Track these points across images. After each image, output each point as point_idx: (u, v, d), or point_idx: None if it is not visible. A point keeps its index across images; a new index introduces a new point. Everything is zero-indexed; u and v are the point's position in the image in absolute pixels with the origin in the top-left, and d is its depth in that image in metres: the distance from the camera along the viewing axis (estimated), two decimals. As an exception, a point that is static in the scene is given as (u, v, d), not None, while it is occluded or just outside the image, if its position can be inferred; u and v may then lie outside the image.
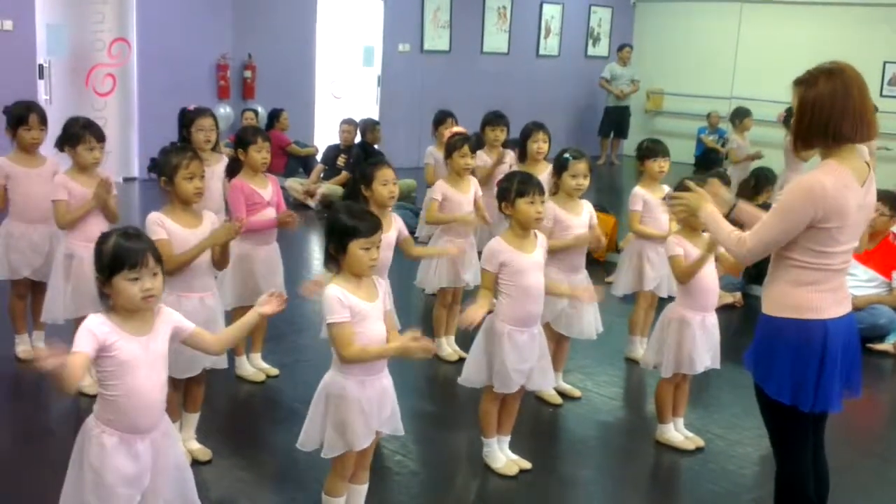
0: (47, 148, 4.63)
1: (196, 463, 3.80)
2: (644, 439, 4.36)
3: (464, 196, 5.06)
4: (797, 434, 3.02)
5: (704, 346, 4.07)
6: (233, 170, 4.73)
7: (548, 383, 3.94)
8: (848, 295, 3.01)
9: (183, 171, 3.54)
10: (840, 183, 2.78)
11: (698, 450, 4.24)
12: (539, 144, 5.45)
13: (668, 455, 4.22)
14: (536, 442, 4.25)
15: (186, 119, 4.89)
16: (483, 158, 5.86)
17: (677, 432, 4.27)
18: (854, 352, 3.01)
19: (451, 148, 5.08)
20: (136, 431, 2.62)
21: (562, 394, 4.72)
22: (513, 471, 3.89)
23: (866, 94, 2.83)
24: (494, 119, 6.08)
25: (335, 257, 3.01)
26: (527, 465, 3.95)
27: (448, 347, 5.21)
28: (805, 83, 2.86)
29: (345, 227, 2.98)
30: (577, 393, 4.77)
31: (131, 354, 2.58)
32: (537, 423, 4.48)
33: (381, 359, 3.07)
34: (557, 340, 4.56)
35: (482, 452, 3.94)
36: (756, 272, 5.00)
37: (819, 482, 3.09)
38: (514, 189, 3.66)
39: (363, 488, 3.31)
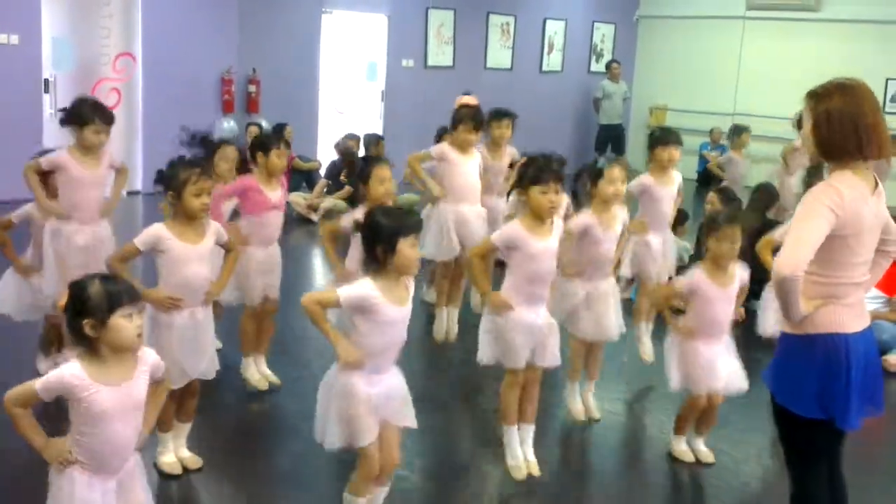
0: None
1: (186, 471, 3.83)
2: (650, 454, 4.35)
3: (466, 160, 4.95)
4: (815, 451, 3.00)
5: (707, 368, 4.05)
6: (240, 172, 4.72)
7: (553, 361, 3.88)
8: (866, 310, 2.98)
9: (191, 186, 3.51)
10: (855, 191, 2.78)
11: (705, 465, 4.22)
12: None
13: (675, 471, 4.20)
14: (543, 450, 4.24)
15: (208, 147, 4.79)
16: (483, 154, 5.57)
17: (685, 443, 4.25)
18: (875, 367, 2.98)
19: (456, 118, 4.96)
20: (107, 471, 2.63)
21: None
22: (520, 475, 3.88)
23: (879, 111, 2.82)
24: (498, 114, 5.71)
25: (381, 260, 3.02)
26: (536, 471, 3.94)
27: (445, 321, 5.13)
28: (818, 97, 2.84)
29: (392, 227, 3.00)
30: (596, 415, 4.65)
31: (107, 405, 2.55)
32: (545, 436, 4.46)
33: (323, 331, 3.09)
34: (588, 348, 4.51)
35: (503, 440, 3.94)
36: (759, 288, 4.97)
37: (838, 501, 3.07)
38: (529, 175, 3.64)
39: (384, 491, 3.34)
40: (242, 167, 4.78)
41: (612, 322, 4.40)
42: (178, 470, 3.80)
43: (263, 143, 4.56)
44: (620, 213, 4.40)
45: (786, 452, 3.08)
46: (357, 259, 3.71)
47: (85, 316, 2.53)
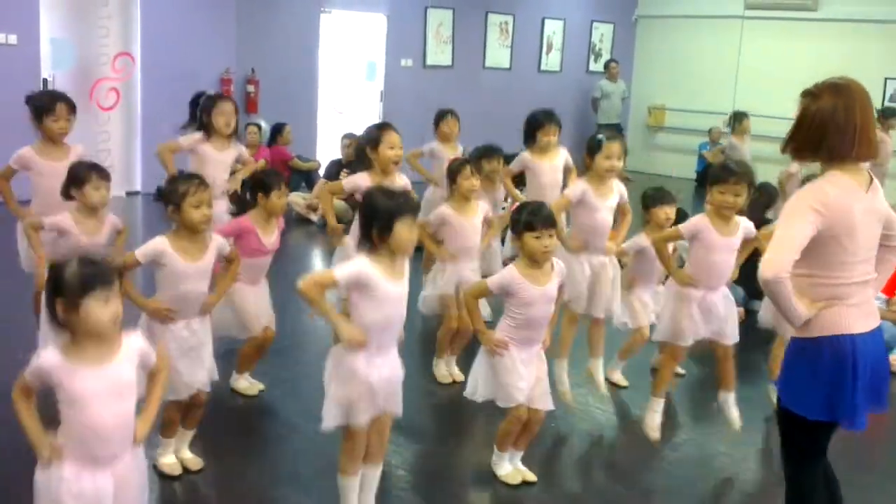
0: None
1: (187, 472, 3.82)
2: (646, 454, 4.35)
3: (467, 220, 4.86)
4: (814, 451, 3.01)
5: (701, 320, 4.10)
6: (239, 209, 4.63)
7: (547, 404, 3.85)
8: (875, 308, 2.97)
9: (190, 198, 3.49)
10: (843, 189, 2.78)
11: (701, 463, 4.22)
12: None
13: (672, 471, 4.21)
14: (539, 456, 4.24)
15: (207, 103, 4.86)
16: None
17: (654, 414, 4.33)
18: (882, 366, 2.98)
19: (452, 173, 4.90)
20: (95, 462, 2.56)
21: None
22: (515, 480, 3.90)
23: (870, 113, 2.82)
24: (487, 152, 5.97)
25: (377, 240, 3.03)
26: (531, 477, 3.94)
27: (444, 369, 5.13)
28: (811, 95, 2.85)
29: (389, 207, 3.01)
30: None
31: (83, 388, 2.50)
32: (539, 436, 4.46)
33: (321, 313, 3.12)
34: (590, 325, 4.56)
35: (491, 460, 3.95)
36: (758, 288, 4.97)
37: (832, 495, 3.09)
38: (521, 221, 3.61)
39: (377, 472, 3.37)
40: (241, 207, 4.69)
41: (607, 301, 4.44)
42: (177, 471, 3.80)
43: (265, 183, 4.38)
44: (617, 187, 4.48)
45: (785, 452, 3.08)
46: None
47: (58, 298, 2.50)
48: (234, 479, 3.89)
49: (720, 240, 4.06)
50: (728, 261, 4.12)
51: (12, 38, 8.82)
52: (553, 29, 13.81)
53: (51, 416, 2.61)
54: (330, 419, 3.18)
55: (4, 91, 8.53)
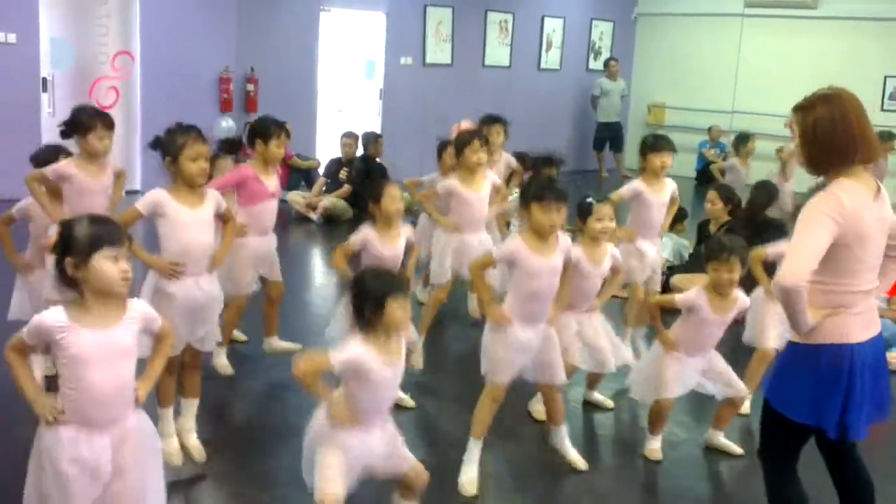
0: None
1: (189, 461, 3.80)
2: (640, 457, 4.35)
3: (474, 193, 4.93)
4: (793, 451, 3.04)
5: (683, 375, 4.09)
6: (230, 149, 4.72)
7: (556, 378, 3.86)
8: (876, 316, 2.98)
9: (188, 150, 3.52)
10: (856, 198, 2.79)
11: (699, 465, 4.22)
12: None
13: (668, 475, 4.20)
14: (534, 453, 4.24)
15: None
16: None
17: (657, 442, 4.28)
18: (882, 374, 2.98)
19: (460, 144, 4.94)
20: (93, 425, 2.57)
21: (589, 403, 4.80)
22: (470, 492, 3.75)
23: (864, 117, 2.85)
24: (489, 119, 5.97)
25: (370, 320, 2.94)
26: (583, 465, 4.00)
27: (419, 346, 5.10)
28: (804, 109, 2.88)
29: (378, 288, 2.93)
30: (609, 403, 4.79)
31: (84, 348, 2.52)
32: (534, 435, 4.47)
33: (316, 395, 3.01)
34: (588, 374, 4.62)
35: (467, 447, 3.84)
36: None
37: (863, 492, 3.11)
38: (531, 192, 3.63)
39: None
40: (232, 147, 4.77)
41: (608, 352, 4.38)
42: (177, 460, 3.75)
43: (264, 131, 4.52)
44: (610, 249, 4.41)
45: (764, 451, 3.11)
46: None
47: (68, 254, 2.53)
48: (233, 479, 3.89)
49: (713, 317, 4.04)
50: (717, 335, 4.11)
51: (11, 38, 8.81)
52: (553, 27, 13.80)
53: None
54: (310, 480, 3.02)
55: (4, 90, 8.55)
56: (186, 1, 9.96)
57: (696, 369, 4.12)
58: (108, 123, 4.23)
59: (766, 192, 6.95)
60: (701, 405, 4.65)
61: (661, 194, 4.99)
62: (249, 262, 4.55)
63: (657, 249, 5.12)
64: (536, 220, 3.60)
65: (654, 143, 4.97)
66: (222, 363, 4.80)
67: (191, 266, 3.59)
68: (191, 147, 3.53)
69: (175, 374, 3.72)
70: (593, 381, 4.77)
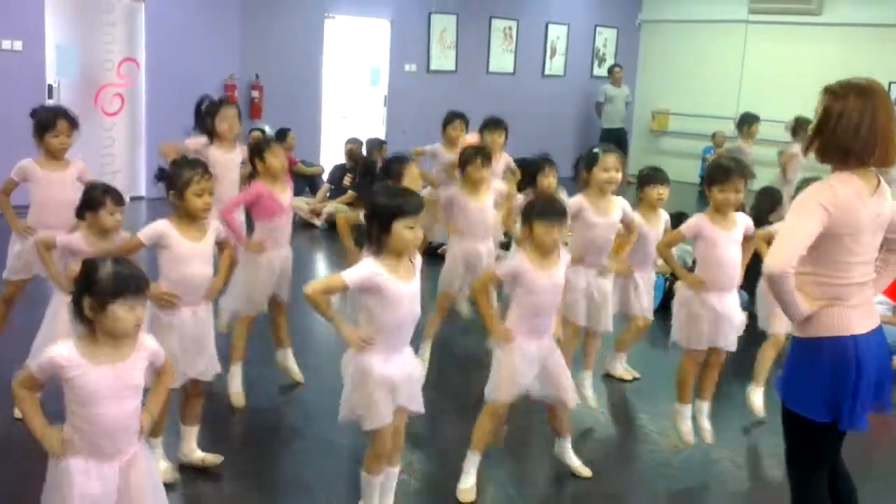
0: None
1: (204, 470, 3.82)
2: (644, 459, 4.34)
3: (476, 203, 4.99)
4: (821, 454, 2.98)
5: (714, 323, 4.09)
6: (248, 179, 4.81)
7: (565, 396, 3.83)
8: (874, 309, 2.97)
9: (194, 186, 3.55)
10: (851, 190, 2.77)
11: (700, 465, 4.22)
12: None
13: (671, 475, 4.20)
14: (537, 457, 4.24)
15: (210, 108, 4.93)
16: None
17: (688, 422, 4.27)
18: (886, 366, 2.97)
19: (464, 160, 5.02)
20: (102, 455, 2.61)
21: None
22: (467, 499, 3.76)
23: (892, 118, 2.77)
24: (490, 124, 6.26)
25: (378, 238, 3.04)
26: (588, 472, 4.02)
27: (426, 352, 5.17)
28: (834, 94, 2.79)
29: (388, 207, 3.01)
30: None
31: (98, 384, 2.56)
32: (537, 437, 4.46)
33: (328, 318, 3.14)
34: (585, 337, 4.59)
35: (463, 465, 3.84)
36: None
37: (847, 493, 3.08)
38: (535, 211, 3.65)
39: (395, 470, 3.38)
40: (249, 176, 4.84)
41: (608, 314, 4.51)
42: (170, 477, 3.74)
43: (258, 148, 4.62)
44: (619, 202, 4.44)
45: (791, 456, 3.06)
46: None
47: (87, 295, 2.55)
48: (237, 483, 3.89)
49: (723, 234, 4.06)
50: (735, 255, 4.10)
51: (17, 45, 8.85)
52: (557, 34, 13.82)
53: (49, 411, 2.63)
54: (347, 415, 3.20)
55: (10, 97, 8.58)
56: (191, 8, 10.00)
57: (728, 311, 4.11)
58: (119, 200, 3.97)
59: (770, 197, 6.94)
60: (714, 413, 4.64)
61: (656, 226, 5.01)
62: (266, 278, 4.58)
63: (651, 280, 5.11)
64: (539, 238, 3.63)
65: (651, 176, 4.98)
66: (236, 391, 4.66)
67: (189, 296, 3.62)
68: (197, 183, 3.55)
69: (180, 404, 3.75)
70: (622, 342, 4.87)
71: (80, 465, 2.59)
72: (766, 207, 6.62)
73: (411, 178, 4.21)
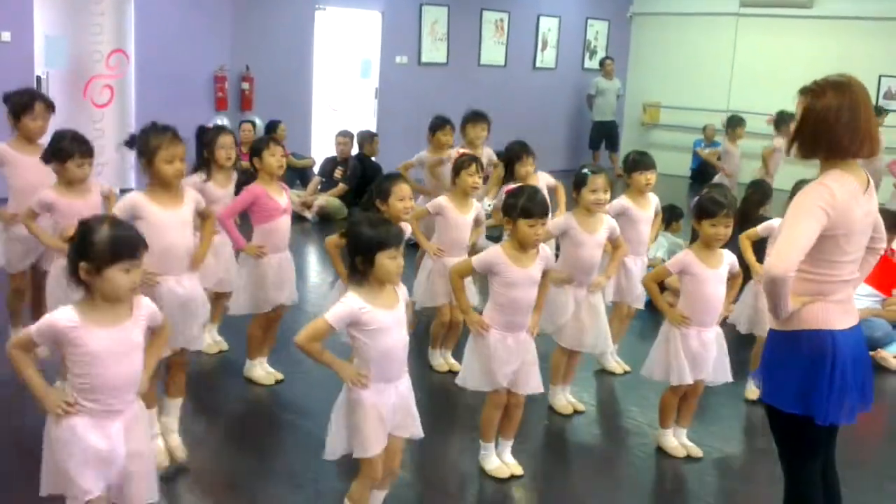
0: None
1: (172, 461, 3.78)
2: (635, 451, 4.35)
3: (462, 217, 4.98)
4: (807, 449, 3.00)
5: (693, 358, 4.08)
6: (245, 181, 4.78)
7: (533, 387, 3.88)
8: (854, 307, 2.99)
9: (163, 152, 3.50)
10: (847, 191, 2.78)
11: (694, 459, 4.24)
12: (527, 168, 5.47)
13: (663, 468, 4.21)
14: (530, 453, 4.24)
15: (207, 137, 4.86)
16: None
17: (674, 439, 4.28)
18: (865, 363, 2.99)
19: (458, 166, 5.02)
20: (106, 412, 2.63)
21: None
22: (504, 474, 3.92)
23: (871, 111, 2.82)
24: (474, 116, 6.32)
25: (362, 271, 3.01)
26: (519, 471, 3.97)
27: (440, 358, 5.22)
28: (812, 93, 2.83)
29: (370, 239, 2.98)
30: (581, 407, 4.76)
31: (101, 345, 2.58)
32: (528, 432, 4.47)
33: (324, 363, 3.06)
34: (569, 355, 4.60)
35: (479, 455, 3.97)
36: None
37: (830, 498, 3.08)
38: (519, 207, 3.65)
39: (382, 494, 3.34)
40: (247, 177, 4.81)
41: (594, 336, 4.50)
42: (163, 460, 3.73)
43: (257, 147, 4.61)
44: (607, 220, 4.48)
45: (779, 449, 3.09)
46: None
47: (84, 259, 2.55)
48: (229, 475, 3.89)
49: (710, 272, 4.06)
50: (720, 293, 4.11)
51: (6, 35, 8.79)
52: (548, 26, 13.80)
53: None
54: (335, 448, 3.12)
55: (-2, 88, 8.53)
56: (181, -1, 9.95)
57: (709, 347, 4.10)
58: (88, 152, 4.08)
59: (760, 190, 6.97)
60: (702, 406, 4.64)
61: (647, 210, 5.05)
62: (269, 279, 4.59)
63: (644, 264, 5.14)
64: (523, 234, 3.65)
65: (639, 162, 5.03)
66: (259, 374, 4.80)
67: (172, 266, 3.60)
68: (166, 149, 3.50)
69: (164, 375, 3.72)
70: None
71: (87, 422, 2.60)
72: (756, 200, 6.64)
73: (401, 196, 4.19)
